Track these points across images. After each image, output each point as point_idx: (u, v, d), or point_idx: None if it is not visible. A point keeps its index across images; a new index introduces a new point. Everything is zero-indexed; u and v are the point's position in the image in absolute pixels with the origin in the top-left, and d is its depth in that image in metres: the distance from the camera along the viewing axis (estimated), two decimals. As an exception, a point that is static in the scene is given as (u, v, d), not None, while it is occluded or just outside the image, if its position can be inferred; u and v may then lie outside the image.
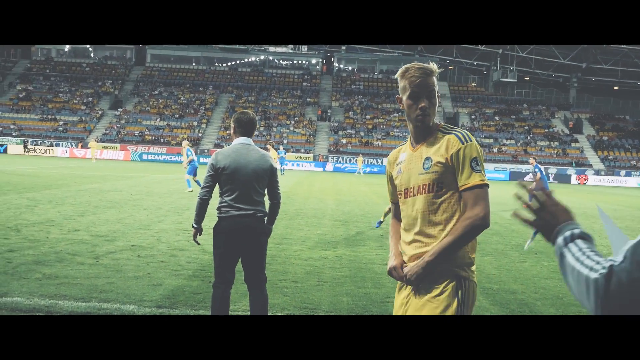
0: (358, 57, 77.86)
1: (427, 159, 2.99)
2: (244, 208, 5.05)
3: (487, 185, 2.90)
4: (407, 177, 3.06)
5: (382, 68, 78.20)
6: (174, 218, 13.31)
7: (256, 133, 61.63)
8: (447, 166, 2.92)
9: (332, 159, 57.88)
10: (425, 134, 3.05)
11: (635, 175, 58.57)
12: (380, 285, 7.70)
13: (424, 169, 2.99)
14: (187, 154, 21.37)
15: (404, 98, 3.02)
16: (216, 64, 76.32)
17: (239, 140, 5.21)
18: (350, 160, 57.60)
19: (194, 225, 5.31)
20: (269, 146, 24.61)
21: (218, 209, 5.13)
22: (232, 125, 5.30)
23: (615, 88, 75.40)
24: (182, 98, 68.52)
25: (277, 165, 23.32)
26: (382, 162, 56.47)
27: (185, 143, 22.16)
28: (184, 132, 61.82)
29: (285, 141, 60.34)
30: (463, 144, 2.91)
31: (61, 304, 6.10)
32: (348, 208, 17.86)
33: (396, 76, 3.10)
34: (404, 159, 3.12)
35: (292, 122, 64.83)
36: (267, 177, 5.18)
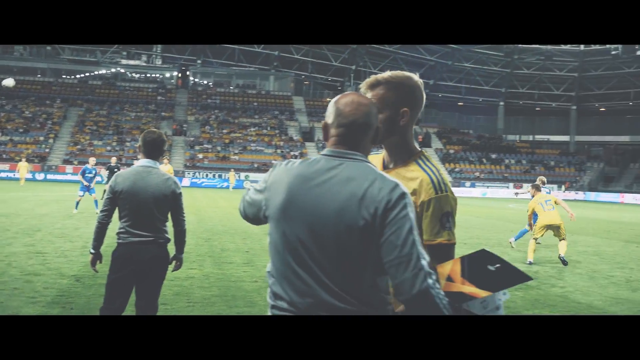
0: (214, 72, 77.30)
1: None
2: (143, 235, 4.76)
3: (454, 245, 2.53)
4: None
5: (238, 82, 78.12)
6: (25, 240, 12.46)
7: (108, 148, 59.66)
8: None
9: (189, 174, 56.94)
10: (398, 155, 2.72)
11: (479, 186, 62.26)
12: (252, 304, 7.56)
13: None
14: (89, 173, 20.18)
15: None
16: (64, 76, 73.02)
17: (141, 162, 4.93)
18: (207, 175, 56.95)
19: (91, 251, 4.99)
20: (165, 160, 22.69)
21: (117, 234, 4.86)
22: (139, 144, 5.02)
23: (459, 104, 79.67)
24: (26, 112, 64.90)
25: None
26: (239, 177, 56.24)
27: (92, 160, 20.98)
28: (29, 147, 58.58)
29: (139, 156, 58.53)
30: (437, 193, 2.52)
31: None
32: (210, 224, 17.57)
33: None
34: None
35: (147, 137, 63.04)
36: (169, 203, 4.89)
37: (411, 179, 2.56)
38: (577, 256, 13.48)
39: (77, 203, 19.87)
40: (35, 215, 18.30)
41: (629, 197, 58.70)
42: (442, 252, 2.47)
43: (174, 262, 5.20)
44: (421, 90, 2.66)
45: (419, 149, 2.70)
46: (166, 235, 4.94)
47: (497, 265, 2.27)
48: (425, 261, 2.14)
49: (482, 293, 2.25)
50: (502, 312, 2.32)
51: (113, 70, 73.94)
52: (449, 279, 2.32)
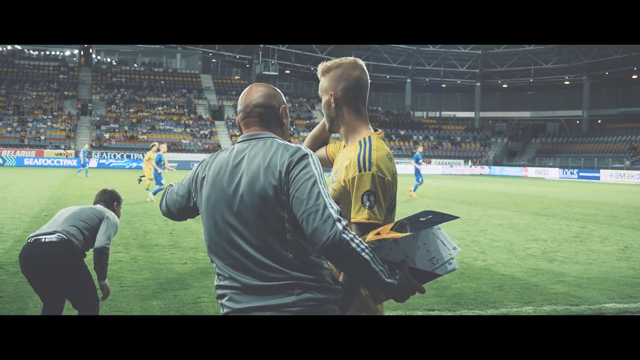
0: (118, 49, 75.11)
1: (337, 170, 2.74)
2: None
3: (376, 224, 2.50)
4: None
5: (144, 60, 76.25)
6: None
7: (9, 129, 57.18)
8: (346, 190, 2.62)
9: (96, 154, 55.31)
10: (348, 137, 2.79)
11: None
12: (187, 286, 7.51)
13: (332, 180, 2.76)
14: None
15: None
16: (-43, 54, 69.40)
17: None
18: (115, 156, 55.54)
19: None
20: (157, 144, 21.12)
21: None
22: None
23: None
24: None
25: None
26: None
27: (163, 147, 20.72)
28: None
29: (43, 137, 56.55)
30: (360, 171, 2.54)
31: None
32: (127, 206, 17.19)
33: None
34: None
35: (50, 117, 60.81)
36: None
37: (348, 158, 2.64)
38: (494, 229, 13.99)
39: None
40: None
41: (531, 171, 61.17)
42: (363, 231, 2.50)
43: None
44: (354, 74, 2.75)
45: (373, 130, 2.76)
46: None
47: (429, 216, 2.43)
48: (333, 210, 2.21)
49: (399, 235, 2.30)
50: (455, 266, 2.38)
51: (9, 47, 70.63)
52: (377, 234, 2.39)
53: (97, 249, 5.03)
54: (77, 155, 54.37)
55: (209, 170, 2.47)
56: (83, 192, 22.45)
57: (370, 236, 2.39)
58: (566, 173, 57.72)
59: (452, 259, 2.39)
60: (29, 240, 4.90)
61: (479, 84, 78.80)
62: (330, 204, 2.23)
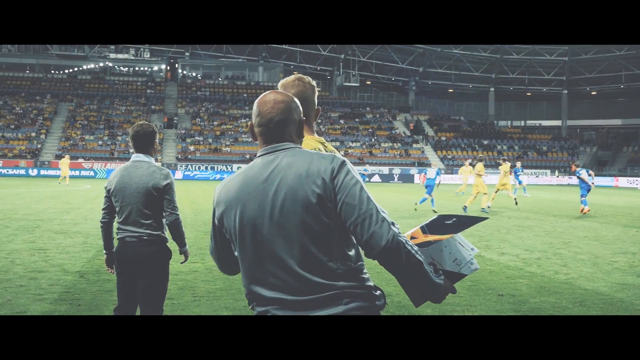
0: (202, 63, 76.98)
1: None
2: (132, 231, 4.66)
3: None
4: None
5: (227, 74, 77.82)
6: (25, 237, 12.40)
7: (100, 142, 59.42)
8: None
9: (181, 166, 56.75)
10: None
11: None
12: (259, 297, 7.53)
13: None
14: None
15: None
16: (53, 72, 72.59)
17: (132, 157, 4.86)
18: (199, 168, 56.82)
19: (104, 251, 4.99)
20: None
21: (116, 231, 4.83)
22: None
23: (450, 90, 79.67)
24: (17, 108, 64.54)
25: None
26: (231, 168, 56.17)
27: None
28: (21, 143, 58.31)
29: (131, 150, 58.27)
30: None
31: None
32: (207, 217, 17.50)
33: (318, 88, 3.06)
34: None
35: (138, 131, 62.67)
36: (157, 197, 4.69)
37: None
38: (578, 242, 13.49)
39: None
40: (33, 211, 18.21)
41: (623, 181, 58.90)
42: None
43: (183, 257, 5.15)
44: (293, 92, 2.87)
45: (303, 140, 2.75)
46: (158, 232, 4.76)
47: (454, 219, 2.55)
48: (385, 214, 2.24)
49: (445, 237, 2.47)
50: (477, 266, 2.49)
51: (101, 64, 73.49)
52: (412, 238, 2.52)
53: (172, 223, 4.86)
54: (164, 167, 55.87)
55: (232, 193, 2.40)
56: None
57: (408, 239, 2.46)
58: (660, 183, 55.34)
59: (472, 259, 2.49)
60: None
61: (565, 91, 76.67)
62: (380, 208, 2.25)
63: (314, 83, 3.08)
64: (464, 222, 2.54)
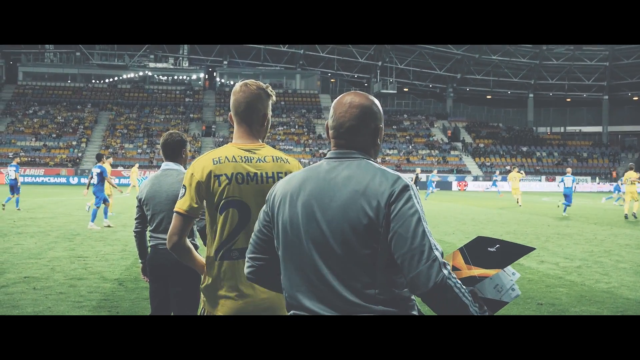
0: (240, 72, 77.46)
1: None
2: (162, 238, 4.64)
3: (181, 214, 3.12)
4: None
5: (265, 82, 77.34)
6: (65, 244, 12.60)
7: (139, 151, 60.20)
8: None
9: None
10: None
11: (511, 179, 61.50)
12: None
13: None
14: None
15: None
16: (94, 81, 73.78)
17: (162, 166, 4.90)
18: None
19: (139, 260, 5.05)
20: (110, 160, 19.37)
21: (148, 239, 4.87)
22: None
23: (488, 97, 78.98)
24: (58, 117, 65.76)
25: None
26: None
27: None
28: (63, 152, 59.38)
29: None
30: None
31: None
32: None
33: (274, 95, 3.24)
34: None
35: (177, 139, 63.42)
36: None
37: None
38: (620, 250, 13.24)
39: None
40: (73, 219, 18.51)
41: (664, 187, 57.63)
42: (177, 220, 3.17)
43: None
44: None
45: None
46: (189, 238, 4.74)
47: (497, 245, 2.36)
48: (438, 252, 2.07)
49: (492, 272, 2.29)
50: (518, 292, 2.32)
51: (141, 73, 74.45)
52: (454, 269, 2.33)
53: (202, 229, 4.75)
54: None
55: (289, 190, 2.31)
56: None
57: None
58: None
59: (514, 284, 2.33)
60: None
61: (606, 97, 75.41)
62: (435, 245, 2.09)
63: (264, 87, 3.10)
64: (510, 252, 2.35)
